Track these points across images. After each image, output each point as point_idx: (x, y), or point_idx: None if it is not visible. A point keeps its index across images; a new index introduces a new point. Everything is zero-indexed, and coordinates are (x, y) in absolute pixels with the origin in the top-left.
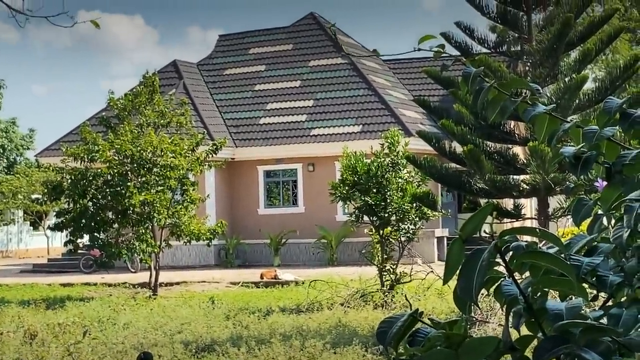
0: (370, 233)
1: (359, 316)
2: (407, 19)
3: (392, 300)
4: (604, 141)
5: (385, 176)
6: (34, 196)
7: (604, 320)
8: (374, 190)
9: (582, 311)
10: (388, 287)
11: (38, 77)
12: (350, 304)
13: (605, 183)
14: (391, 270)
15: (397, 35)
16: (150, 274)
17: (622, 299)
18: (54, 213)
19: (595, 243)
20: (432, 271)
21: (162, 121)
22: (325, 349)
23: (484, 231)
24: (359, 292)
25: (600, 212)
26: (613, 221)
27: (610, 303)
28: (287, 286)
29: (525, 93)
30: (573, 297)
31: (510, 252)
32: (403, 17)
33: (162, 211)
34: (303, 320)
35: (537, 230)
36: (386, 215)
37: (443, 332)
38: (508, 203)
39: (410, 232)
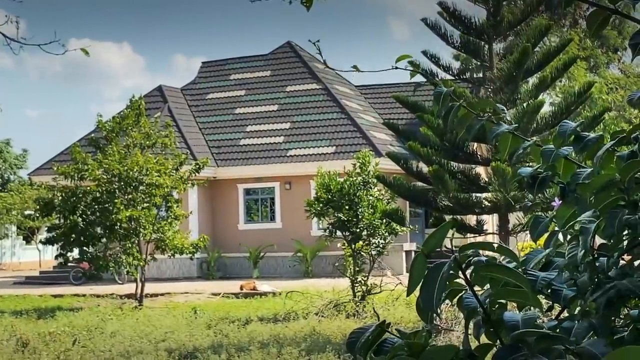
0: (343, 247)
1: (332, 325)
2: (379, 48)
3: (363, 309)
4: (560, 161)
5: (357, 194)
6: (26, 212)
7: (559, 331)
8: (347, 207)
9: (539, 321)
10: (360, 297)
11: (32, 101)
12: (324, 313)
13: (560, 202)
14: (362, 282)
15: (368, 63)
16: (136, 286)
17: (576, 310)
18: (46, 228)
19: (551, 258)
20: (400, 283)
21: (147, 142)
22: (301, 355)
23: (445, 246)
24: (332, 302)
25: (556, 228)
26: (568, 237)
27: (565, 313)
28: (265, 297)
29: (489, 115)
30: (531, 309)
31: (471, 266)
32: (375, 46)
33: (147, 226)
34: (280, 329)
35: (494, 244)
36: (358, 230)
37: (406, 341)
38: (471, 219)
39: (380, 246)
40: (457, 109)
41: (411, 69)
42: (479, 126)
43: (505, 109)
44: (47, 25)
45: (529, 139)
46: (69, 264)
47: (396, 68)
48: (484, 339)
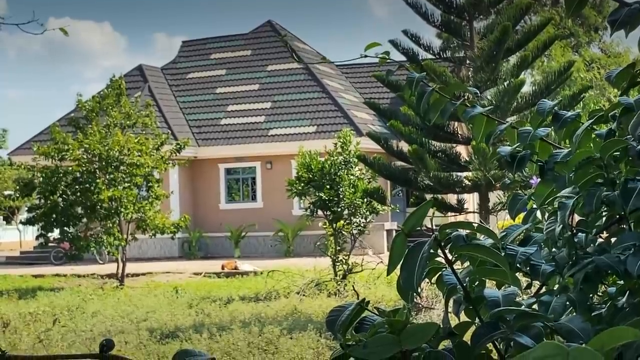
0: (324, 226)
1: (313, 304)
2: (360, 25)
3: (344, 288)
4: (537, 141)
5: (338, 173)
6: (6, 192)
7: (537, 307)
8: (328, 187)
9: (518, 298)
10: (341, 276)
11: (11, 81)
12: (306, 292)
13: (538, 180)
14: (344, 261)
15: (350, 40)
16: (118, 266)
17: (555, 287)
18: (26, 208)
19: (530, 232)
20: (381, 262)
21: (128, 122)
22: (282, 334)
23: (426, 225)
24: (313, 281)
25: (534, 206)
26: (546, 215)
27: (543, 290)
28: (246, 276)
29: (467, 96)
30: (510, 286)
31: (450, 244)
32: (356, 24)
33: (128, 206)
34: (261, 308)
35: (474, 224)
36: (339, 209)
37: (386, 319)
38: (452, 198)
39: (362, 225)
40: (429, 95)
41: (381, 56)
42: (452, 109)
43: (478, 92)
44: (26, 3)
45: (505, 121)
46: (50, 244)
47: (365, 56)
48: (463, 317)
